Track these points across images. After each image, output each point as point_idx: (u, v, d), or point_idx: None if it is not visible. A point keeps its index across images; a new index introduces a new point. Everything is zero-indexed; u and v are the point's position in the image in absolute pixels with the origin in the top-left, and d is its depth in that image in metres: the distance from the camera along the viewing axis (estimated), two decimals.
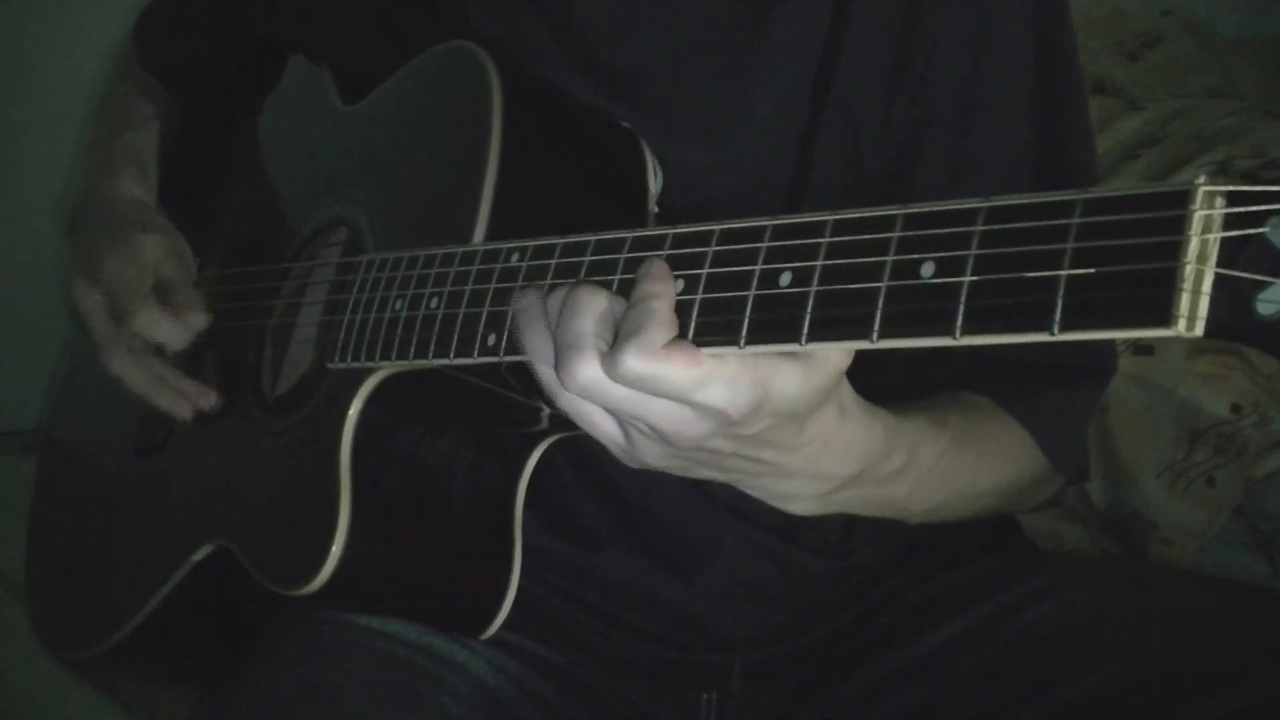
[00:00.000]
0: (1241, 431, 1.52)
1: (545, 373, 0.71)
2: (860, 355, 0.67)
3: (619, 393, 0.67)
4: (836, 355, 0.68)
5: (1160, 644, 0.87)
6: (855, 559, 1.04)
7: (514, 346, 0.73)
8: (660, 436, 0.70)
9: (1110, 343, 1.04)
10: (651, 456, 0.73)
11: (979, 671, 0.93)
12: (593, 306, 0.68)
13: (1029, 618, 0.94)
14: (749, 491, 0.80)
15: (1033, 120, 0.96)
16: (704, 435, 0.69)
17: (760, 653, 1.03)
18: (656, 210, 0.90)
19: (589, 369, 0.67)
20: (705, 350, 0.65)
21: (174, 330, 1.07)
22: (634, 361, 0.64)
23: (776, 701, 1.04)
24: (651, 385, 0.65)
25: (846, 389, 0.76)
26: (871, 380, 0.72)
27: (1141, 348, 1.55)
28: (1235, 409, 1.52)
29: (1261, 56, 2.07)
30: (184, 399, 1.08)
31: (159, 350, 1.09)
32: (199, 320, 1.08)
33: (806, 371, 0.68)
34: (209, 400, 1.08)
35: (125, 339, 1.07)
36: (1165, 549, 1.55)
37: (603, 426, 0.72)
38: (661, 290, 0.66)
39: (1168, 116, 1.81)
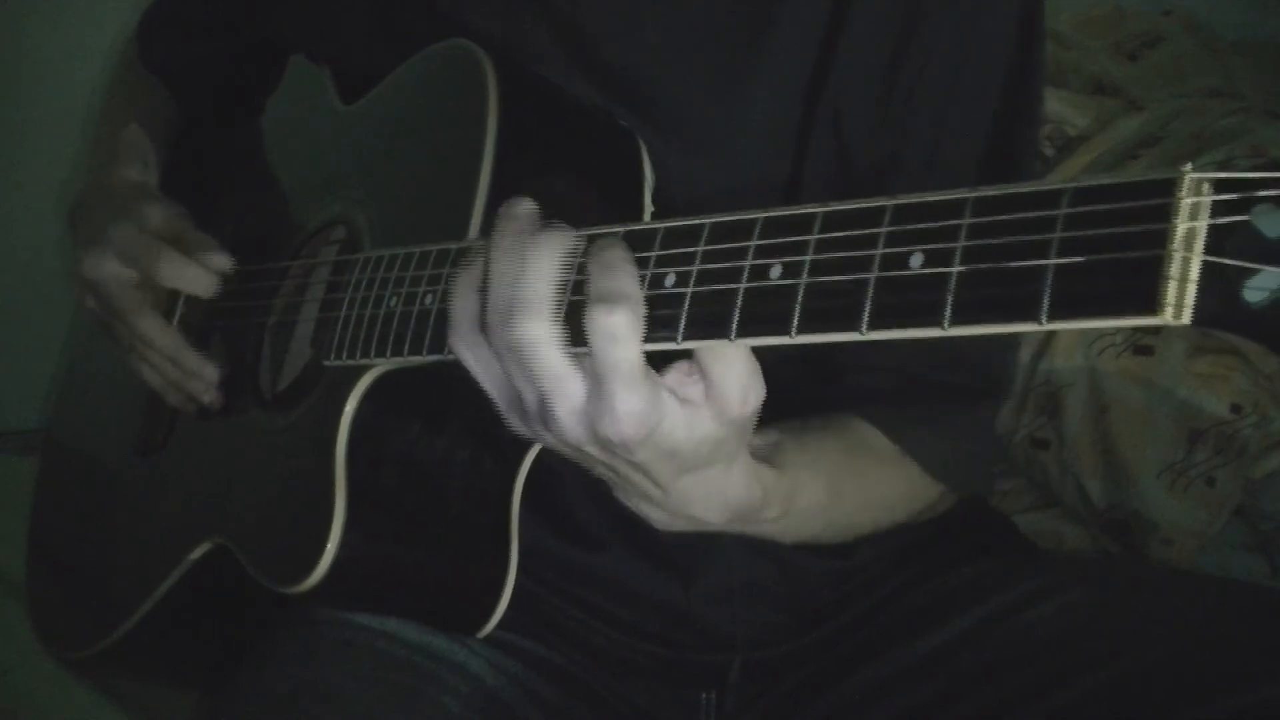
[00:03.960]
0: (1241, 431, 1.52)
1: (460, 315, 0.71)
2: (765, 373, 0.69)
3: (546, 362, 0.67)
4: (734, 405, 0.68)
5: (1160, 644, 0.87)
6: (855, 559, 1.04)
7: None
8: (548, 417, 0.69)
9: (1010, 362, 1.06)
10: (530, 429, 0.73)
11: (979, 671, 0.93)
12: (557, 257, 0.68)
13: (1028, 618, 0.94)
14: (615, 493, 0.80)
15: (995, 128, 0.96)
16: (585, 440, 0.69)
17: (760, 653, 1.03)
18: (653, 208, 0.90)
19: (539, 327, 0.67)
20: (695, 344, 0.65)
21: (201, 274, 1.06)
22: (620, 320, 0.64)
23: (776, 701, 1.04)
24: (611, 350, 0.65)
25: (744, 454, 0.76)
26: (772, 396, 0.71)
27: (1141, 348, 1.54)
28: (1235, 409, 1.52)
29: (1261, 56, 2.07)
30: (210, 365, 1.06)
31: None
32: (224, 261, 1.07)
33: (691, 420, 0.68)
34: (215, 389, 1.07)
35: (149, 302, 1.06)
36: (1165, 549, 1.55)
37: (491, 386, 0.72)
38: (630, 258, 0.67)
39: (1168, 116, 1.81)
